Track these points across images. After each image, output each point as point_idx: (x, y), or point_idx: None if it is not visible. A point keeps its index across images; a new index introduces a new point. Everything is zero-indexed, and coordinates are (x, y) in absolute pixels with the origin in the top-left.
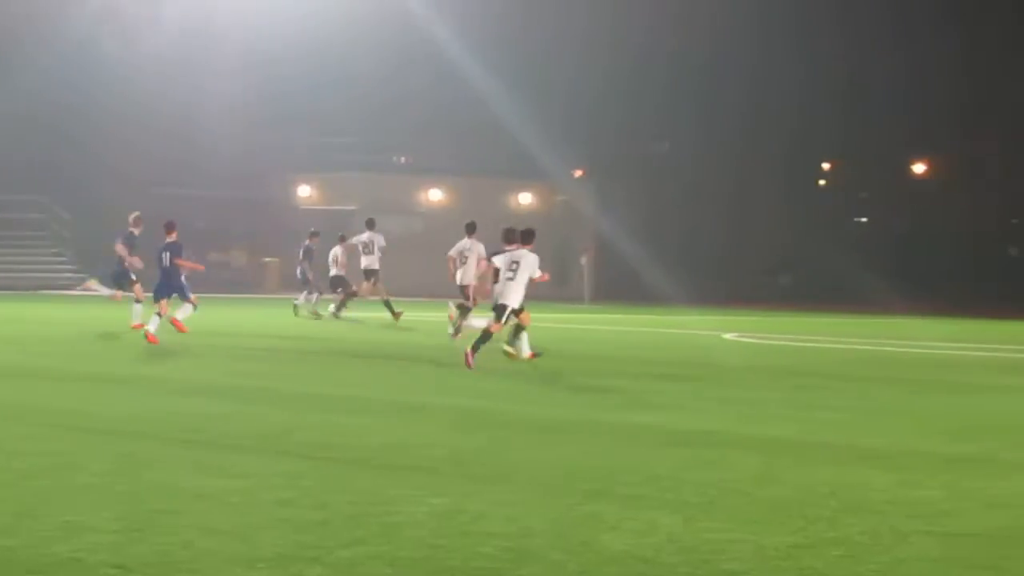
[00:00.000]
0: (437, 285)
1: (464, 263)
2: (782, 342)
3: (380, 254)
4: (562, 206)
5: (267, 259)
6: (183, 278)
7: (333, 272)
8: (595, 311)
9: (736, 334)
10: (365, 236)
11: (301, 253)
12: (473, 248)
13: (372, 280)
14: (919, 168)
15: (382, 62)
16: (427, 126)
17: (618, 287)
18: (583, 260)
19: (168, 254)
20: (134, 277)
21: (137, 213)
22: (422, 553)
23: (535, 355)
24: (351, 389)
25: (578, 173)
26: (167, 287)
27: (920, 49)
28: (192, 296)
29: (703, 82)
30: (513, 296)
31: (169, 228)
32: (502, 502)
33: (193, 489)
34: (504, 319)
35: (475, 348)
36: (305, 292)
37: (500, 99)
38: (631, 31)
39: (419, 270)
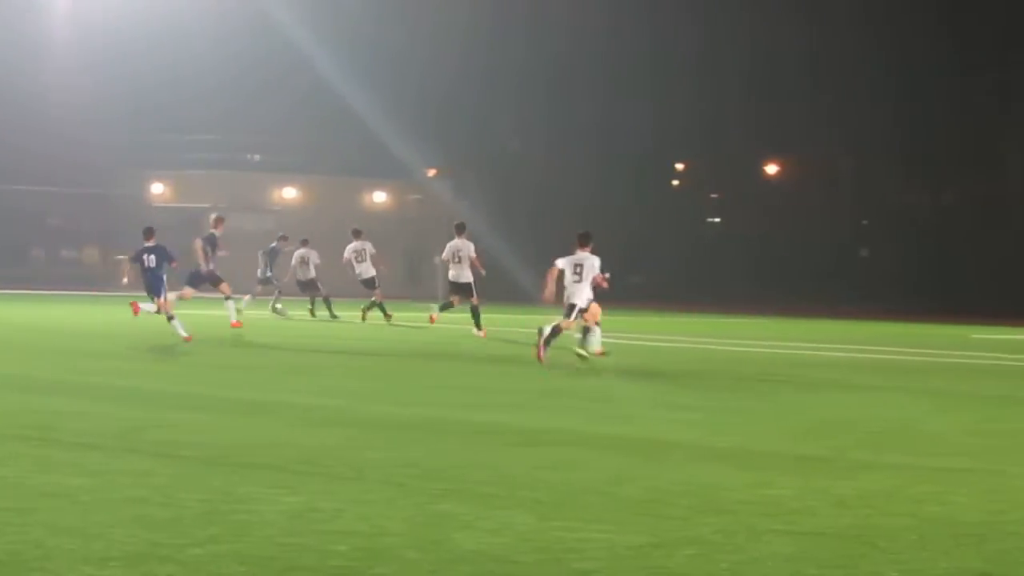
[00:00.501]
0: (290, 284)
1: (459, 262)
2: (635, 341)
3: (371, 262)
4: (416, 204)
5: (120, 256)
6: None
7: (304, 276)
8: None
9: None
10: (356, 244)
11: (265, 254)
12: (464, 247)
13: (377, 286)
14: (771, 169)
15: (235, 60)
16: (281, 125)
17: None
18: (437, 259)
19: (154, 256)
20: (219, 276)
21: (218, 214)
22: (275, 552)
23: (602, 353)
24: (204, 387)
25: (432, 172)
26: (158, 287)
27: (771, 49)
28: (161, 300)
29: (558, 80)
30: (581, 296)
31: (148, 234)
32: (356, 501)
33: (42, 487)
34: (573, 317)
35: (547, 343)
36: (277, 293)
37: (355, 98)
38: (484, 30)
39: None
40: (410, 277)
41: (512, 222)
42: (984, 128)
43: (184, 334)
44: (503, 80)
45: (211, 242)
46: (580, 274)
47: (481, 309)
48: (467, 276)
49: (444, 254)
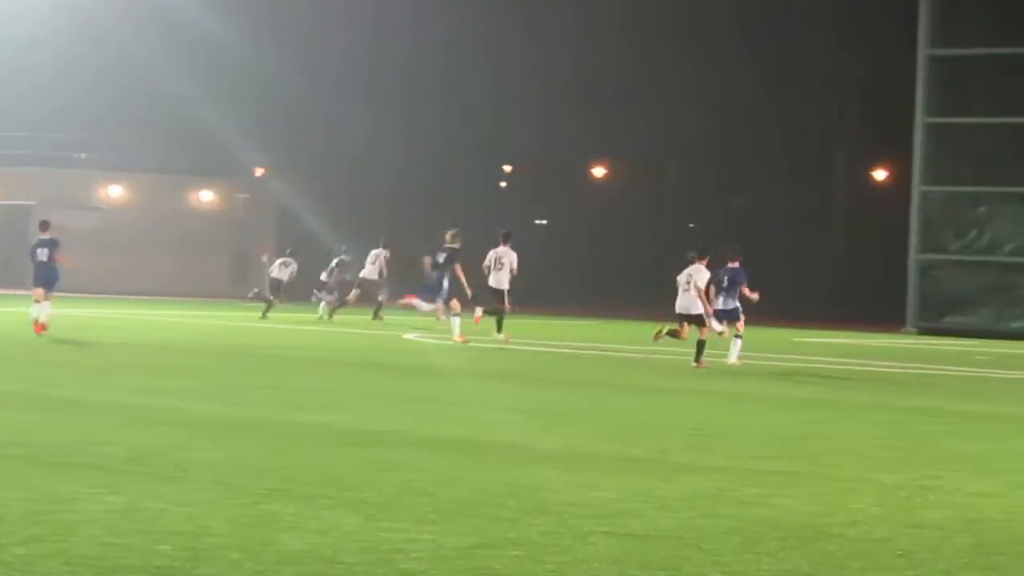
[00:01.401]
0: (116, 282)
1: (500, 268)
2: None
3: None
4: (243, 204)
5: None
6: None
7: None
8: (277, 310)
9: (417, 334)
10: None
11: (335, 263)
12: (507, 255)
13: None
14: (599, 171)
15: (60, 55)
16: (107, 122)
17: (303, 287)
18: (264, 258)
19: (47, 250)
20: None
21: (456, 229)
22: (99, 551)
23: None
24: (28, 385)
25: (259, 171)
26: (50, 280)
27: (598, 59)
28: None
29: (403, 82)
30: (695, 305)
31: (44, 226)
32: (181, 501)
33: None
34: (709, 325)
35: (698, 356)
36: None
37: (183, 96)
38: (331, 31)
39: (98, 266)
40: (237, 276)
41: (348, 223)
42: (812, 133)
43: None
44: (349, 79)
45: (453, 256)
46: (689, 285)
47: (505, 315)
48: (505, 283)
49: (486, 260)
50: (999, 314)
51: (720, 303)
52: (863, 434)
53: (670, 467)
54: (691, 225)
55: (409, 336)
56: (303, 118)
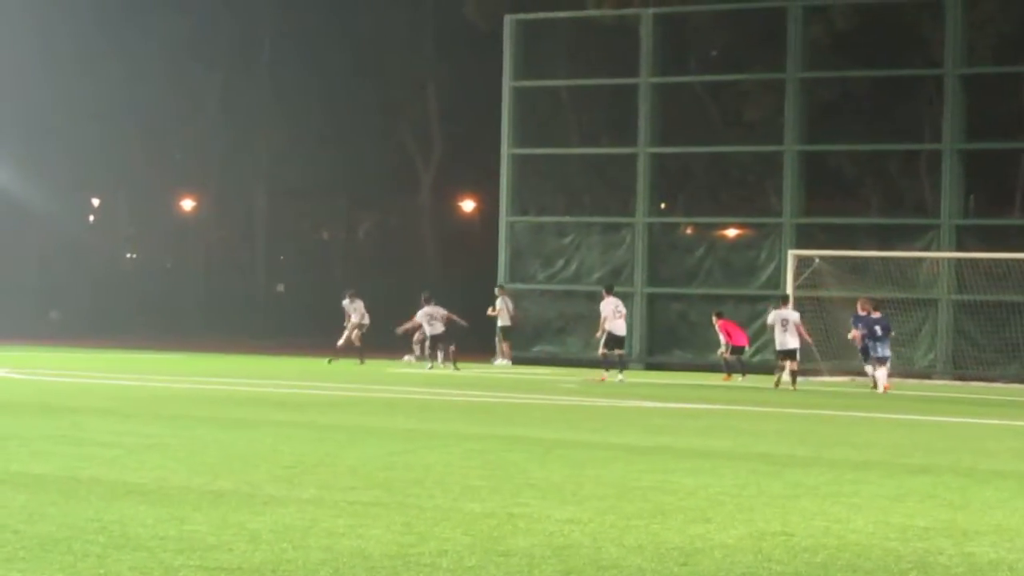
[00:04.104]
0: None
1: (619, 316)
2: (52, 378)
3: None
4: None
5: None
6: None
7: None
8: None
9: (6, 370)
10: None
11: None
12: (618, 306)
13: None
14: (187, 204)
15: None
16: None
17: None
18: None
19: None
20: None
21: (866, 297)
22: None
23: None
24: None
25: None
26: None
27: (175, 90)
28: None
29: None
30: (793, 341)
31: None
32: None
33: None
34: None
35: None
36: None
37: None
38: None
39: None
40: None
41: None
42: (403, 163)
43: None
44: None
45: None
46: (786, 327)
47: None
48: (622, 330)
49: (606, 313)
50: (587, 343)
51: (879, 350)
52: (452, 463)
53: (261, 500)
54: (281, 257)
55: None
56: None
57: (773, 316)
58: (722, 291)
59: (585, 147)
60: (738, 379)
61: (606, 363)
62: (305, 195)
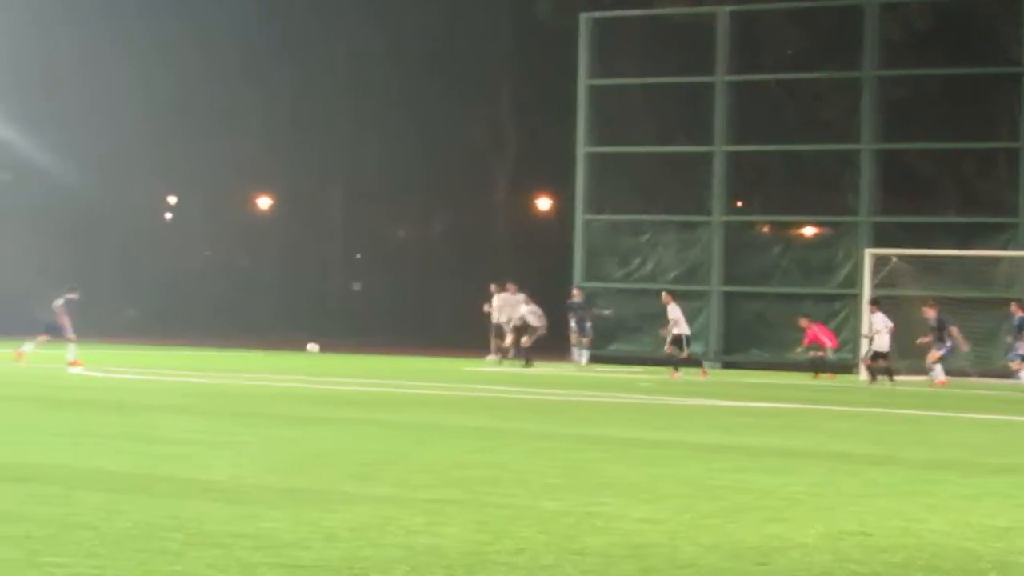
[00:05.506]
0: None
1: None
2: (127, 375)
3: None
4: None
5: None
6: None
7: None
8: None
9: (82, 368)
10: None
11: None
12: (881, 322)
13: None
14: (263, 203)
15: None
16: None
17: None
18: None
19: None
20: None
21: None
22: None
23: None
24: None
25: None
26: None
27: (255, 89)
28: None
29: (57, 104)
30: (882, 342)
31: None
32: None
33: None
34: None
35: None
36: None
37: None
38: None
39: None
40: None
41: None
42: (477, 161)
43: None
44: None
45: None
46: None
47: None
48: (686, 329)
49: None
50: (662, 341)
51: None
52: (529, 462)
53: (336, 497)
54: (358, 256)
55: (74, 370)
56: None
57: (880, 319)
58: (799, 290)
59: (661, 145)
60: (825, 378)
61: (675, 361)
62: (381, 193)
